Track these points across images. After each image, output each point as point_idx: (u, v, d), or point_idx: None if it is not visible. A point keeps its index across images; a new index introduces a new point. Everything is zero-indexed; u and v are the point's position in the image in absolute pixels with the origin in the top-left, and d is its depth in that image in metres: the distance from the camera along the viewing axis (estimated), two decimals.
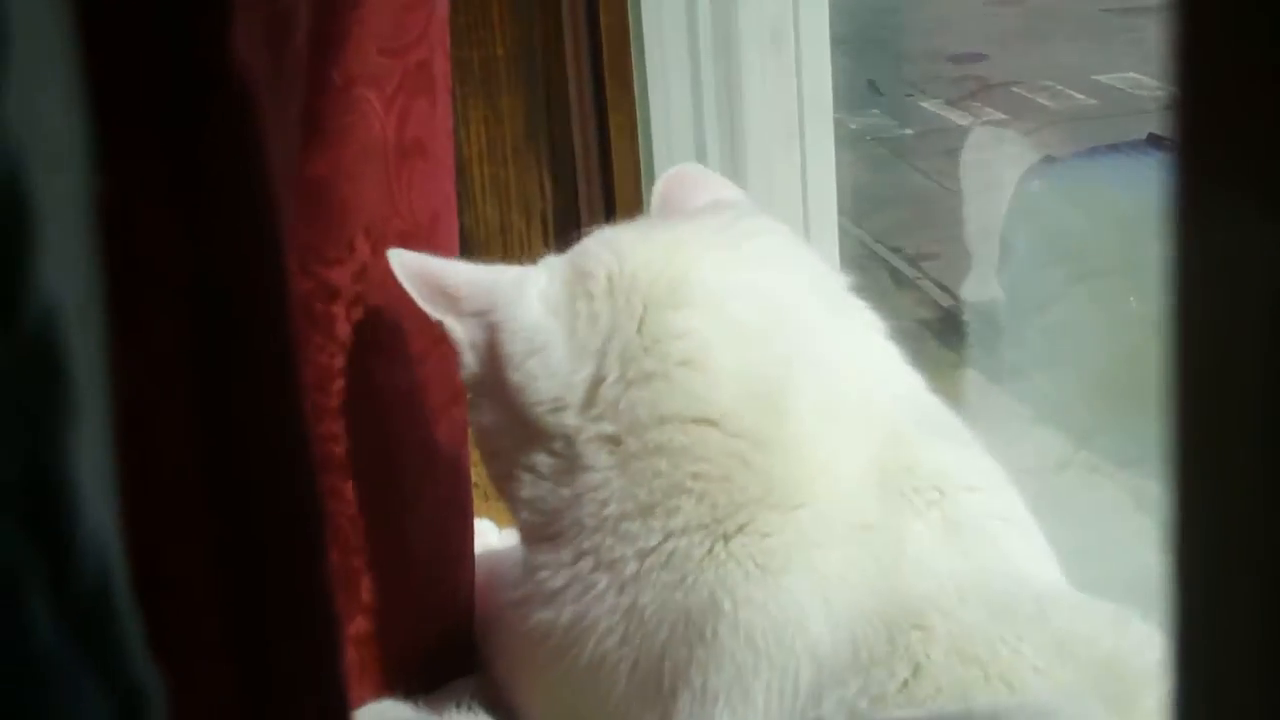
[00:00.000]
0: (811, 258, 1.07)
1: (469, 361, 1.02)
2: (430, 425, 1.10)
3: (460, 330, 1.01)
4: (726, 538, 0.91)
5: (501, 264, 1.07)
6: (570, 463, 0.96)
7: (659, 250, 0.99)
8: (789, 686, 0.88)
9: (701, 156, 1.51)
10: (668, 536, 0.92)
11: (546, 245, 1.54)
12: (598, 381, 0.95)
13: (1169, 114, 0.29)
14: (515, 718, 1.03)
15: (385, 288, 1.08)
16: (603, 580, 0.95)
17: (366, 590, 1.13)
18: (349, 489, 1.11)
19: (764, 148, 1.52)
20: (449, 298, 1.02)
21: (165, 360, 0.43)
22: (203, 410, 0.44)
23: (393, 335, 1.10)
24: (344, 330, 1.08)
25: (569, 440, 0.96)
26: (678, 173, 1.16)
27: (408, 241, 1.09)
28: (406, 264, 1.01)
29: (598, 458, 0.95)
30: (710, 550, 0.91)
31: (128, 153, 0.43)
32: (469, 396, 1.04)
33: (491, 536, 1.29)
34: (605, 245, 1.01)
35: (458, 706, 1.01)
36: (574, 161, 1.55)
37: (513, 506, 1.03)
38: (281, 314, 0.46)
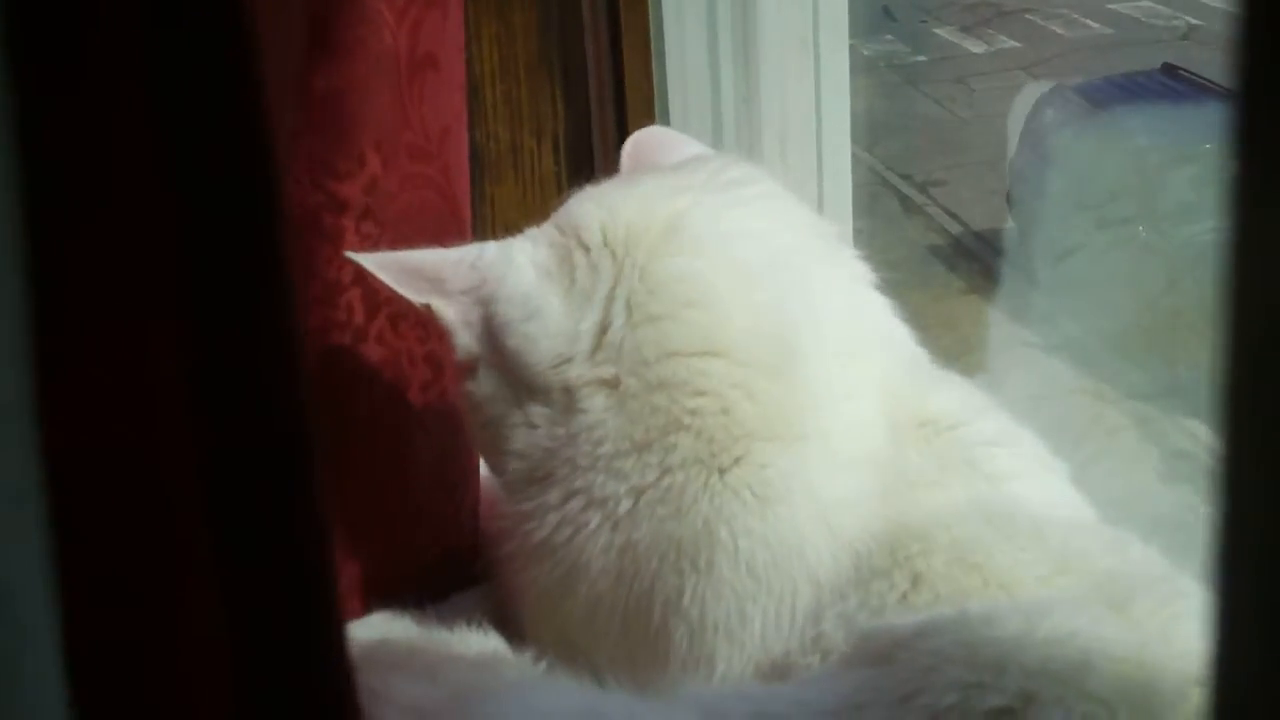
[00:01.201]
0: (801, 206, 1.07)
1: (464, 341, 1.01)
2: (440, 337, 1.10)
3: (451, 310, 1.01)
4: (722, 470, 0.92)
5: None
6: (567, 408, 0.97)
7: (651, 200, 0.99)
8: (786, 612, 0.89)
9: (715, 79, 1.51)
10: (664, 473, 0.93)
11: (557, 165, 1.53)
12: (604, 328, 0.96)
13: (1232, 89, 0.29)
14: (517, 618, 1.04)
15: (395, 200, 1.08)
16: (594, 518, 0.95)
17: (371, 503, 1.14)
18: (356, 402, 1.11)
19: (778, 72, 1.51)
20: (432, 280, 1.01)
21: (142, 264, 0.43)
22: (184, 317, 0.44)
23: (401, 247, 1.10)
24: (353, 243, 1.08)
25: (567, 389, 0.97)
26: (647, 135, 1.17)
27: (419, 156, 1.09)
28: (380, 259, 1.01)
29: (594, 400, 0.95)
30: (706, 483, 0.92)
31: (103, 60, 0.42)
32: (465, 376, 1.03)
33: None
34: (592, 201, 1.02)
35: (468, 623, 1.02)
36: (587, 82, 1.55)
37: (498, 461, 1.03)
38: (275, 219, 0.45)
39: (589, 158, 1.53)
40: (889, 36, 7.28)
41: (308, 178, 1.06)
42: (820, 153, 1.54)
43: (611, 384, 0.95)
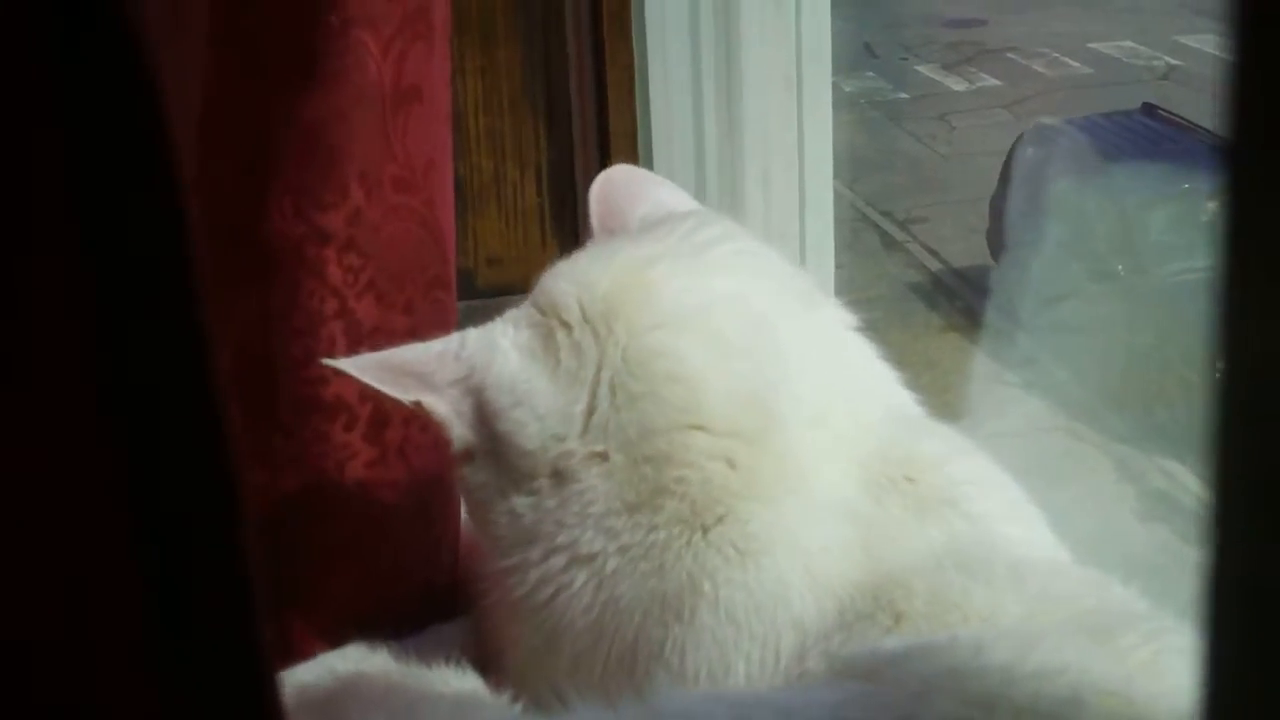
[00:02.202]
0: (776, 259, 1.07)
1: (459, 433, 1.01)
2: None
3: (442, 404, 1.00)
4: (705, 529, 0.92)
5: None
6: (558, 482, 0.97)
7: (626, 272, 0.99)
8: (770, 657, 0.89)
9: (698, 114, 1.51)
10: (650, 531, 0.93)
11: (540, 197, 1.54)
12: (591, 410, 0.96)
13: (1225, 111, 0.29)
14: (502, 667, 1.03)
15: (379, 233, 1.07)
16: (579, 577, 0.95)
17: (351, 533, 1.13)
18: (336, 432, 1.11)
19: (761, 107, 1.52)
20: (419, 376, 1.01)
21: (51, 310, 0.42)
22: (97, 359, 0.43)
23: (384, 280, 1.10)
24: (335, 275, 1.07)
25: (557, 468, 0.97)
26: (614, 175, 1.16)
27: (403, 188, 1.09)
28: (361, 363, 1.01)
29: (587, 471, 0.96)
30: (689, 541, 0.92)
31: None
32: (461, 469, 1.02)
33: None
34: (567, 279, 1.01)
35: (446, 657, 1.01)
36: (570, 115, 1.55)
37: (487, 539, 1.03)
38: (187, 264, 0.44)
39: (572, 190, 1.53)
40: (870, 73, 7.32)
41: (291, 209, 1.06)
42: (803, 188, 1.54)
43: (602, 457, 0.95)
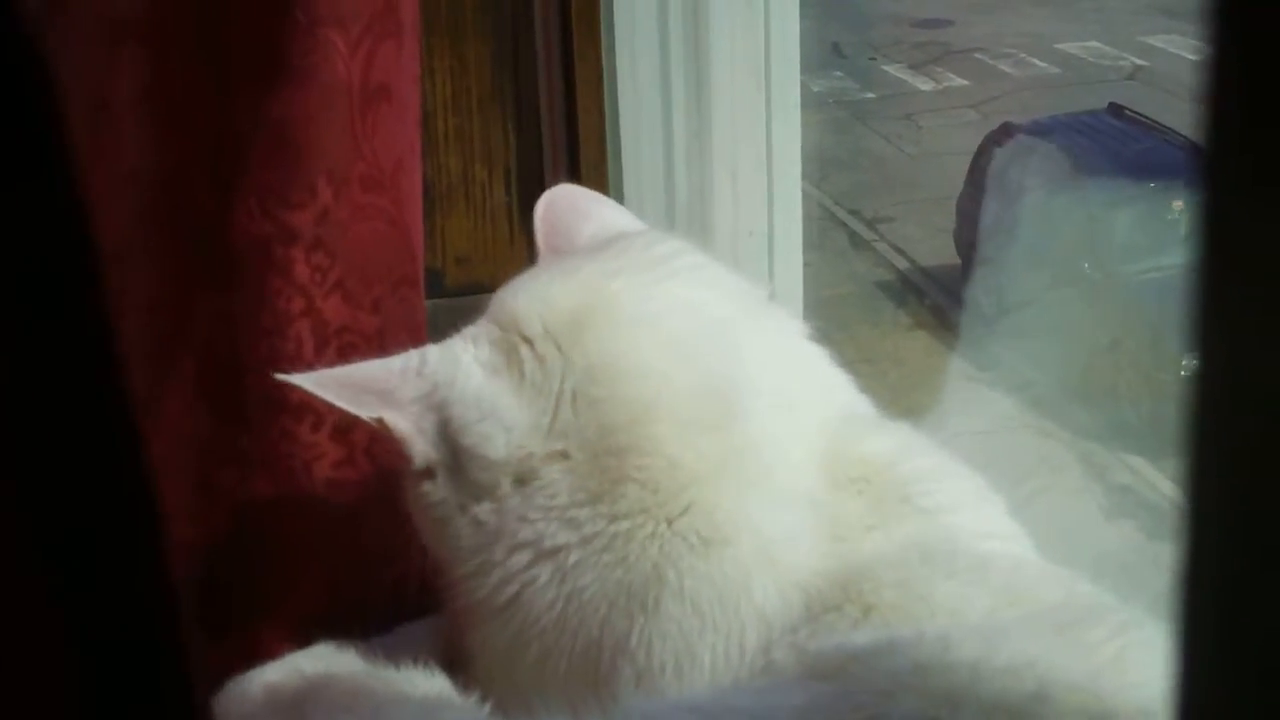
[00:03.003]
0: (728, 273, 1.09)
1: (420, 450, 1.00)
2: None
3: (404, 421, 1.00)
4: (670, 520, 0.93)
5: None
6: (519, 483, 0.97)
7: (588, 287, 1.01)
8: (734, 649, 0.90)
9: (667, 113, 1.51)
10: (612, 520, 0.94)
11: (509, 196, 1.53)
12: (556, 418, 0.96)
13: (1200, 112, 0.29)
14: (470, 672, 1.03)
15: (346, 231, 1.07)
16: (543, 573, 0.96)
17: (319, 533, 1.13)
18: (304, 431, 1.11)
19: (729, 106, 1.52)
20: (379, 393, 1.00)
21: None
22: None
23: (352, 279, 1.10)
24: (303, 274, 1.07)
25: (520, 473, 0.97)
26: (557, 196, 1.17)
27: (371, 187, 1.08)
28: (320, 379, 1.00)
29: (549, 469, 0.96)
30: (654, 532, 0.93)
31: None
32: (419, 487, 1.02)
33: None
34: (527, 295, 1.02)
35: (415, 658, 1.01)
36: (539, 115, 1.55)
37: (445, 554, 1.03)
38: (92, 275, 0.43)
39: (540, 189, 1.52)
40: (838, 73, 7.33)
41: (258, 207, 1.06)
42: (771, 187, 1.54)
43: (563, 455, 0.96)
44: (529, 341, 0.99)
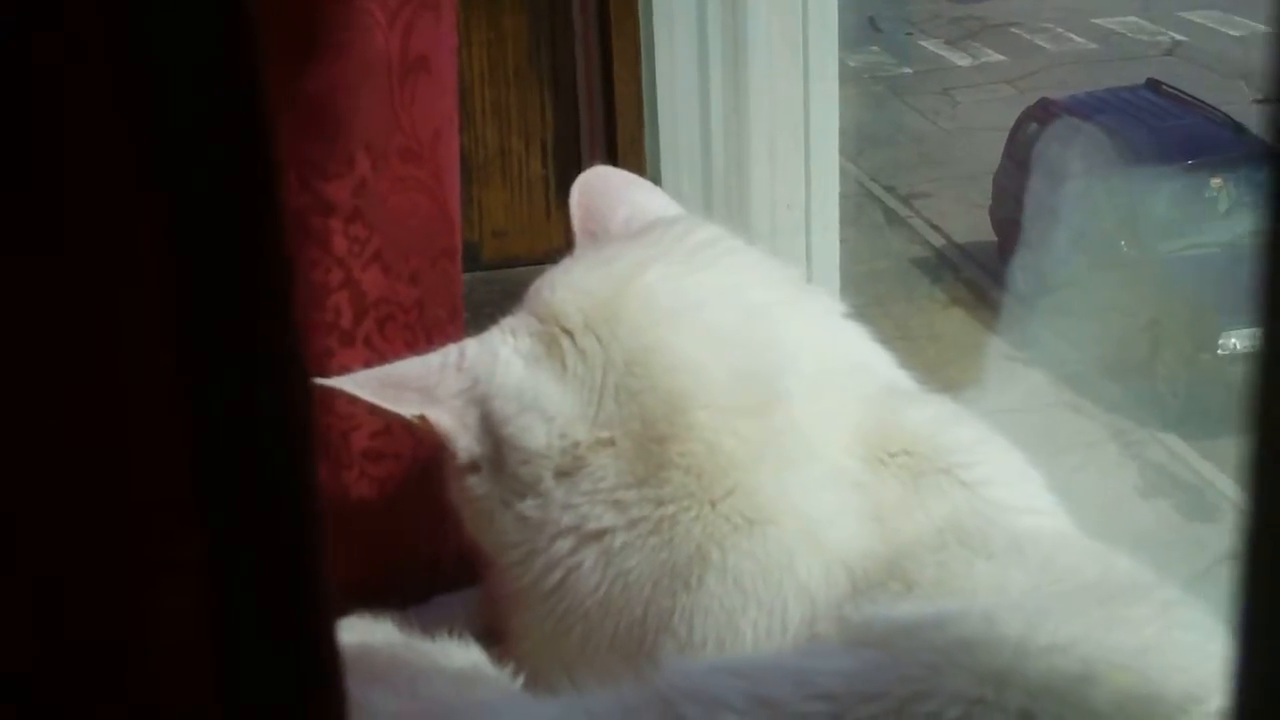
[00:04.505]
0: (764, 256, 1.09)
1: (465, 444, 1.00)
2: (428, 340, 1.10)
3: (447, 416, 1.00)
4: (714, 503, 0.94)
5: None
6: (564, 475, 0.97)
7: (624, 277, 1.01)
8: (777, 625, 0.90)
9: (704, 87, 1.51)
10: (658, 505, 0.94)
11: (545, 169, 1.53)
12: (600, 408, 0.97)
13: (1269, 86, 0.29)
14: (512, 656, 1.03)
15: (384, 203, 1.07)
16: (588, 557, 0.96)
17: (356, 504, 1.13)
18: (341, 403, 1.11)
19: (767, 81, 1.51)
20: (420, 390, 1.00)
21: (125, 260, 0.41)
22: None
23: (390, 251, 1.10)
24: (341, 245, 1.07)
25: (562, 464, 0.97)
26: (592, 179, 1.16)
27: (409, 159, 1.08)
28: (360, 380, 1.00)
29: (595, 456, 0.97)
30: (699, 515, 0.93)
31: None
32: (464, 480, 1.02)
33: None
34: (565, 287, 1.02)
35: (450, 629, 1.02)
36: (575, 87, 1.55)
37: (491, 535, 1.03)
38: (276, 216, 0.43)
39: (577, 162, 1.53)
40: (874, 48, 7.30)
41: (295, 179, 1.06)
42: (808, 162, 1.54)
43: (609, 442, 0.96)
44: (570, 334, 0.99)
